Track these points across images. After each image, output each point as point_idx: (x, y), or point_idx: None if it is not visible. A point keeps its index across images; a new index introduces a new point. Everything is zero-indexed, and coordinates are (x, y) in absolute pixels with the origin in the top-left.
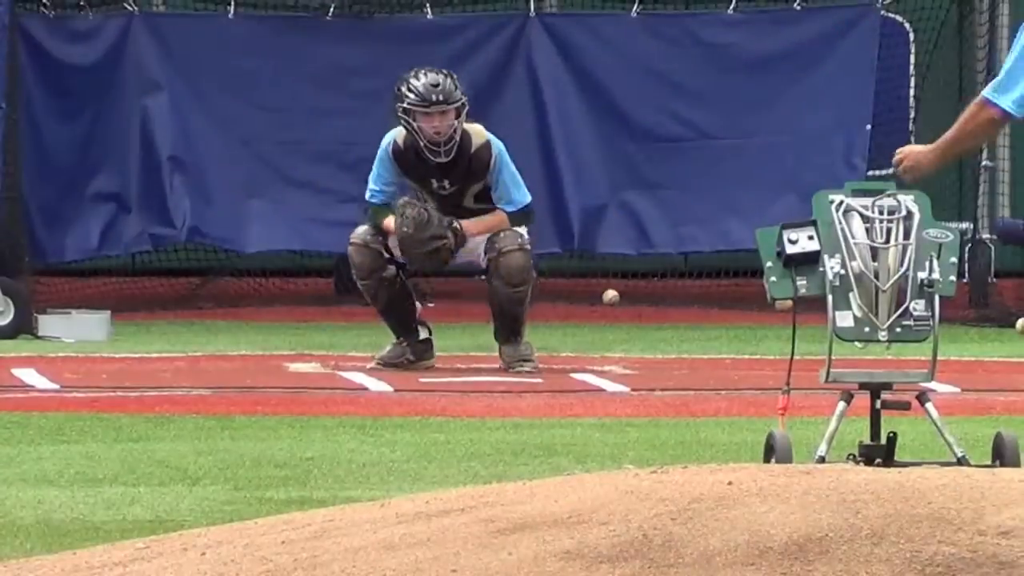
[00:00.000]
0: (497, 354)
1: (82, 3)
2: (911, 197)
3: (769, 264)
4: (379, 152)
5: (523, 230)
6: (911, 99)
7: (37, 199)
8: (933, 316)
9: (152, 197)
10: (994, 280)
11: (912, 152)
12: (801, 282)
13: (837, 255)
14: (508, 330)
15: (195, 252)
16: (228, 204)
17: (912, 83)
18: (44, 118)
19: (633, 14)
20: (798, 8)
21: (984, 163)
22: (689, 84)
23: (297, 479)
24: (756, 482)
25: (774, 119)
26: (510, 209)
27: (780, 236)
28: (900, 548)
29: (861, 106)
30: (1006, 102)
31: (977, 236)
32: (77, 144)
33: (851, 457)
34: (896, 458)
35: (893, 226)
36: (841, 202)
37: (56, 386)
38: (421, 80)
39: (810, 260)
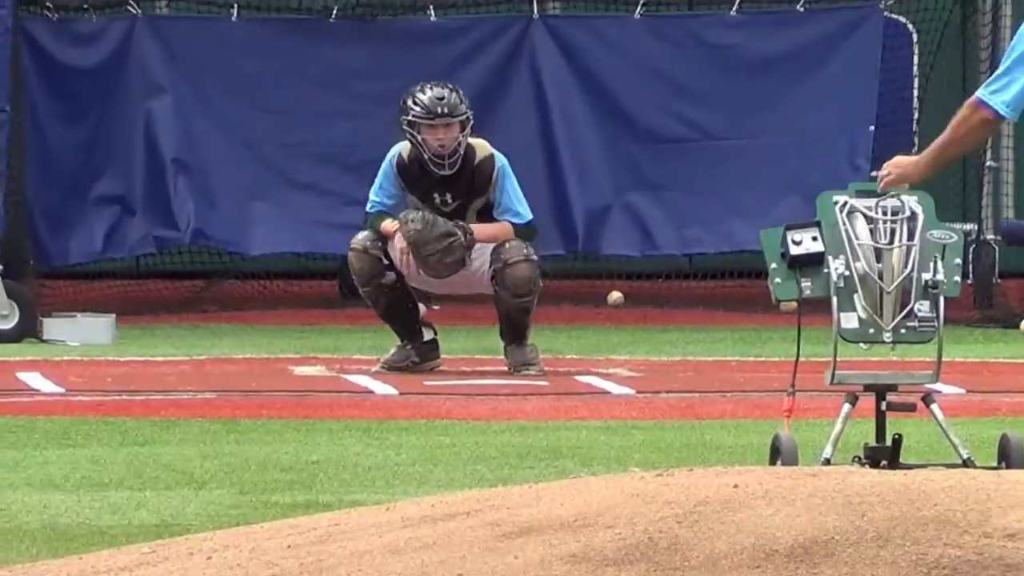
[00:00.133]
0: (501, 356)
1: (85, 6)
2: (915, 198)
3: (773, 265)
4: (383, 165)
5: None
6: (915, 100)
7: (41, 202)
8: (938, 317)
9: (156, 200)
10: (998, 281)
11: (899, 164)
12: (805, 283)
13: (841, 256)
14: (513, 334)
15: (199, 255)
16: (232, 207)
17: (915, 84)
18: (48, 121)
19: (636, 16)
20: (801, 9)
21: (988, 164)
22: (692, 85)
23: (303, 483)
24: (762, 485)
25: (778, 120)
26: (515, 221)
27: (784, 237)
28: (906, 550)
29: (865, 107)
30: (999, 104)
31: (981, 237)
32: (81, 147)
33: (856, 459)
34: (901, 460)
35: (897, 227)
36: (845, 203)
37: (61, 390)
38: (427, 93)
39: (814, 261)
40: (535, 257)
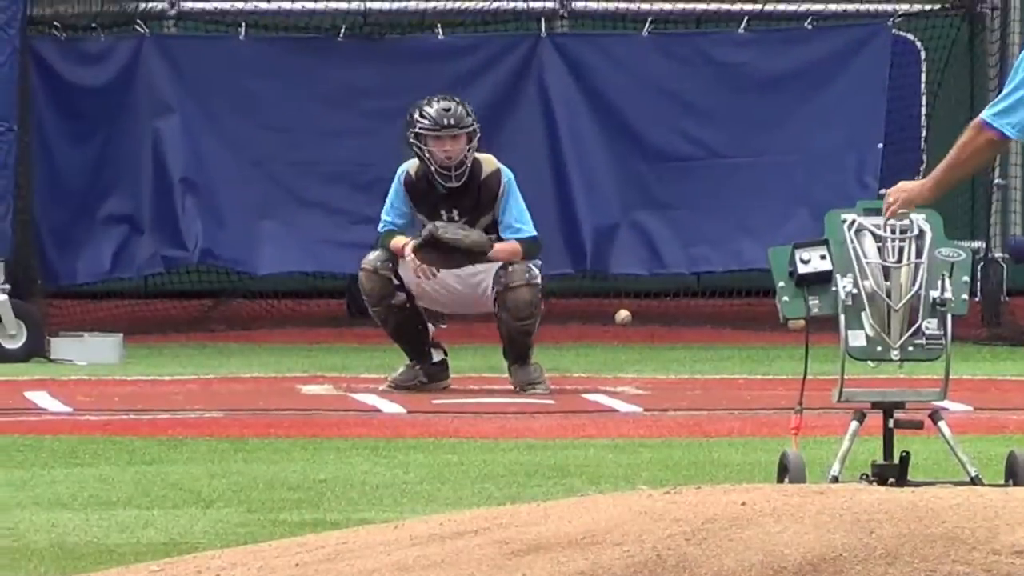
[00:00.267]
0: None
1: (93, 25)
2: (923, 216)
3: (781, 284)
4: (393, 184)
5: (534, 263)
6: (922, 117)
7: (49, 221)
8: (945, 335)
9: (164, 219)
10: (1006, 299)
11: (904, 189)
12: (813, 301)
13: (849, 274)
14: (516, 354)
15: (207, 274)
16: (240, 226)
17: (923, 101)
18: (56, 140)
19: (644, 33)
20: (809, 27)
21: (996, 182)
22: (701, 103)
23: (310, 501)
24: (770, 502)
25: (786, 138)
26: (520, 236)
27: (792, 255)
28: (914, 568)
29: (873, 125)
30: (1005, 125)
31: (989, 255)
32: (89, 166)
33: (864, 477)
34: (909, 477)
35: (905, 245)
36: (853, 221)
37: (69, 409)
38: (433, 106)
39: (822, 279)
40: (537, 281)
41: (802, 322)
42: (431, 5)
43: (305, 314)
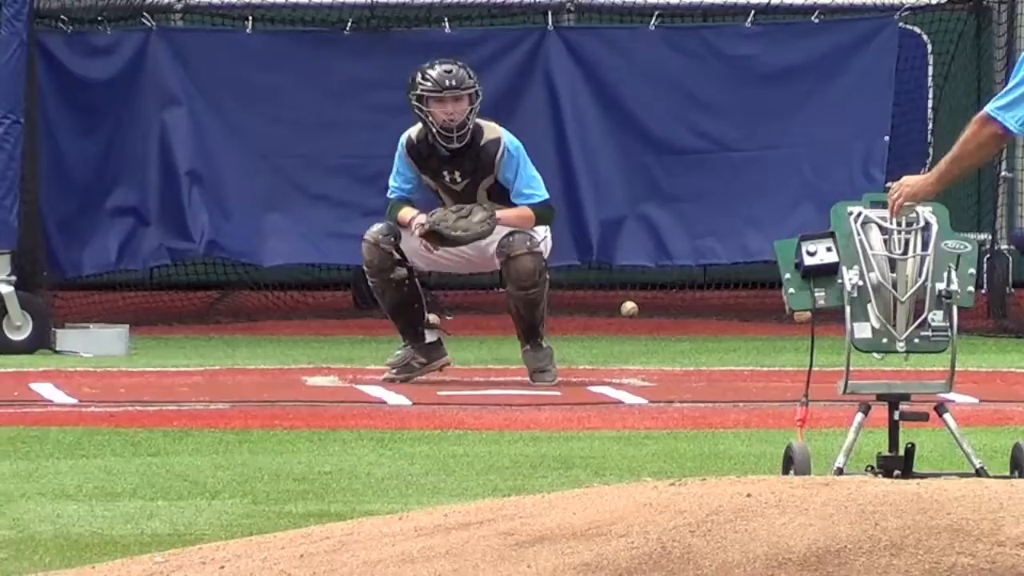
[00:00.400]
0: (514, 366)
1: (100, 18)
2: (929, 208)
3: (787, 276)
4: (397, 149)
5: (541, 230)
6: (929, 110)
7: (55, 213)
8: (951, 327)
9: (170, 211)
10: (1012, 291)
11: (908, 183)
12: (819, 293)
13: (855, 266)
14: (525, 329)
15: (213, 266)
16: (246, 218)
17: (930, 95)
18: (62, 133)
19: (651, 27)
20: (816, 21)
21: (1003, 174)
22: (707, 96)
23: (315, 493)
24: (775, 494)
25: (792, 131)
26: (532, 202)
27: (798, 248)
28: (919, 559)
29: (879, 118)
30: (1009, 119)
31: (995, 247)
32: (95, 159)
33: (869, 468)
34: (914, 469)
35: (911, 237)
36: (859, 213)
37: (74, 400)
38: (436, 68)
39: (828, 271)
40: (539, 249)
41: (808, 314)
42: None
43: (311, 306)
